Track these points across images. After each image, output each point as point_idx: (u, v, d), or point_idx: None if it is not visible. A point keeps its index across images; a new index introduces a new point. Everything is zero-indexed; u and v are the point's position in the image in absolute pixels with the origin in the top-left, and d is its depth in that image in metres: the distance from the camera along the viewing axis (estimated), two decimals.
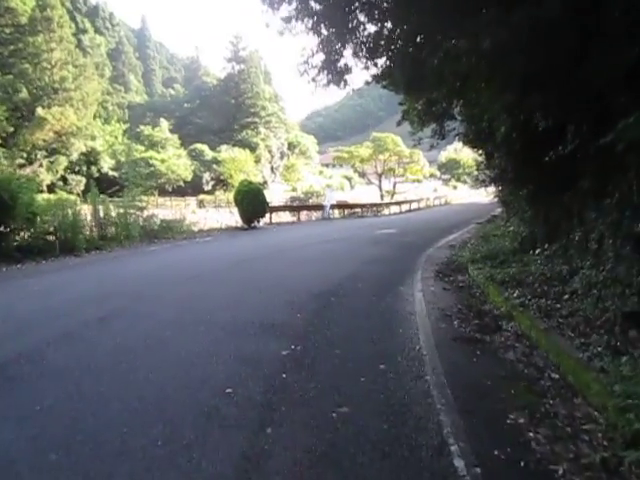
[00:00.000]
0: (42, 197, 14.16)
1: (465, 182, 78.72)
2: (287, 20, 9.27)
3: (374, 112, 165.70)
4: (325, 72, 9.12)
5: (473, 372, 4.09)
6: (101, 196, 15.37)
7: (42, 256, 10.64)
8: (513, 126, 6.89)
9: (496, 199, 16.91)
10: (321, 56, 9.00)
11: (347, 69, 9.26)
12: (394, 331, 5.24)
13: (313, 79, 9.24)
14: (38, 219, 11.04)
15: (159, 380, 3.80)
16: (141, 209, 14.82)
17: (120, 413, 3.22)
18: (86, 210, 13.24)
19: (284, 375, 3.90)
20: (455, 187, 71.18)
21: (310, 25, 9.03)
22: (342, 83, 9.71)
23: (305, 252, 11.99)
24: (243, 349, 4.55)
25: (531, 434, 3.01)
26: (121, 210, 13.86)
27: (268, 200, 21.15)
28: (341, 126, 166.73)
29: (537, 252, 8.18)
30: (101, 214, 13.25)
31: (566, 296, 5.76)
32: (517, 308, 5.59)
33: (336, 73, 9.17)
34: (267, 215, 21.88)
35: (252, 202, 18.55)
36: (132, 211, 14.37)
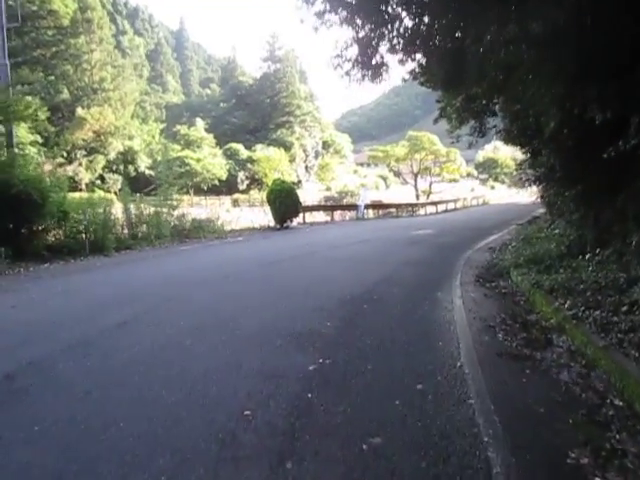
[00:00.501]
0: (78, 196, 14.13)
1: (503, 182, 77.01)
2: (321, 15, 8.91)
3: (410, 111, 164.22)
4: (359, 66, 8.72)
5: (523, 396, 3.61)
6: (137, 195, 15.37)
7: (72, 256, 10.60)
8: (564, 121, 6.32)
9: (538, 200, 16.19)
10: (355, 49, 8.62)
11: (382, 64, 8.84)
12: (432, 344, 4.79)
13: (347, 73, 8.84)
14: (69, 218, 10.99)
15: (172, 397, 3.47)
16: (173, 208, 14.72)
17: (125, 438, 2.88)
18: (118, 209, 13.20)
19: (310, 395, 3.51)
20: (493, 187, 69.60)
21: (344, 17, 8.64)
22: (377, 78, 9.29)
23: (338, 253, 11.60)
24: (267, 362, 4.19)
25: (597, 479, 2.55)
26: (152, 209, 13.77)
27: (302, 199, 20.88)
28: (376, 125, 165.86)
29: (587, 257, 7.56)
30: (132, 213, 13.17)
31: (625, 308, 5.19)
32: (569, 320, 5.05)
33: (371, 67, 8.76)
34: (300, 215, 21.60)
35: (285, 201, 18.27)
36: (164, 210, 14.29)
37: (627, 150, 5.24)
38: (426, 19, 9.85)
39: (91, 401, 3.45)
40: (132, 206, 13.34)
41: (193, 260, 10.96)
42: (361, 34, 8.51)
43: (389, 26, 9.08)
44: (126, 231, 13.01)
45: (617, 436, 3.02)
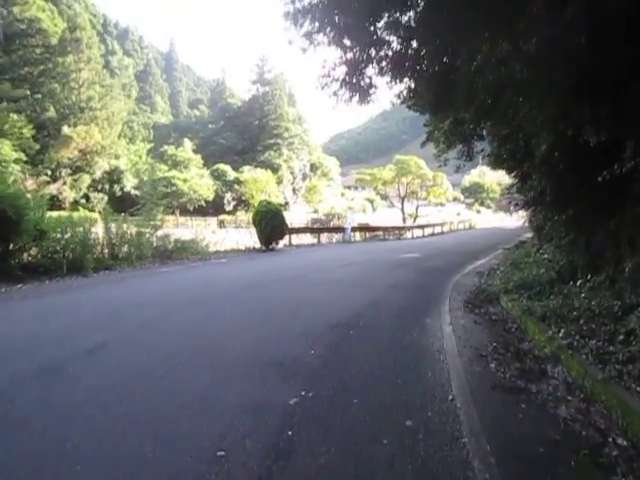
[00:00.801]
0: (57, 214, 13.68)
1: (489, 206, 77.73)
2: (309, 35, 8.82)
3: (397, 135, 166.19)
4: (347, 86, 8.58)
5: (520, 434, 3.35)
6: (122, 215, 15.02)
7: (48, 276, 10.16)
8: (555, 143, 6.20)
9: (525, 224, 16.15)
10: (343, 69, 8.49)
11: (370, 85, 8.72)
12: (422, 374, 4.52)
13: (334, 93, 8.69)
14: (47, 237, 10.59)
15: (139, 437, 3.14)
16: (156, 228, 14.36)
17: None
18: (99, 228, 12.84)
19: (290, 432, 3.22)
20: (479, 211, 70.13)
21: (332, 38, 8.55)
22: (365, 99, 9.17)
23: (324, 276, 11.32)
24: (245, 394, 3.89)
25: None
26: (134, 229, 13.40)
27: (289, 221, 20.64)
28: (364, 149, 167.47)
29: (578, 283, 7.39)
30: (113, 233, 12.78)
31: (621, 337, 4.99)
32: (564, 350, 4.83)
33: (358, 88, 8.64)
34: (286, 237, 21.35)
35: (270, 223, 17.98)
36: (146, 230, 13.93)
37: (622, 173, 5.10)
38: (414, 44, 9.82)
39: (43, 443, 3.09)
40: (113, 225, 12.95)
41: (173, 282, 10.58)
42: (349, 55, 8.41)
43: (377, 48, 9.02)
44: (106, 251, 12.59)
45: None
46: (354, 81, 8.53)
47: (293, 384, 4.12)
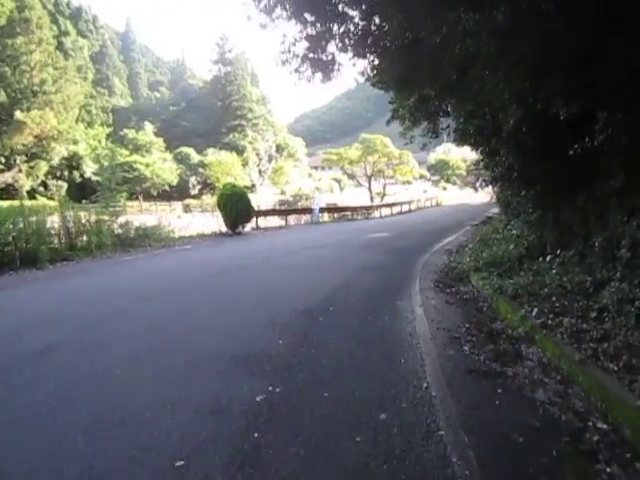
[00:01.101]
0: (9, 204, 12.97)
1: (455, 183, 78.56)
2: (268, 11, 8.41)
3: (363, 114, 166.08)
4: (309, 62, 8.25)
5: (499, 423, 3.19)
6: (83, 202, 14.36)
7: None
8: (524, 118, 6.04)
9: (492, 200, 16.18)
10: (304, 44, 8.13)
11: (333, 60, 8.40)
12: (394, 361, 4.34)
13: (296, 70, 8.34)
14: None
15: (90, 447, 2.86)
16: (116, 215, 13.79)
17: None
18: (56, 217, 12.22)
19: (256, 434, 2.98)
20: (445, 188, 70.81)
21: (292, 11, 8.18)
22: (328, 75, 8.85)
23: (292, 260, 11.06)
24: (208, 394, 3.63)
25: None
26: (93, 217, 12.80)
27: (256, 204, 20.22)
28: (330, 128, 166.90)
29: (548, 259, 7.33)
30: (70, 222, 12.16)
31: (594, 314, 4.91)
32: (538, 330, 4.71)
33: (321, 64, 8.31)
34: (253, 220, 20.98)
35: (236, 206, 17.54)
36: (106, 218, 13.34)
37: (593, 147, 4.97)
38: (377, 19, 9.52)
39: None
40: (70, 214, 12.31)
41: (134, 272, 10.11)
42: (310, 30, 8.09)
43: (339, 23, 8.69)
44: (64, 241, 11.98)
45: (608, 469, 2.64)
46: (316, 57, 8.20)
47: (260, 379, 3.88)
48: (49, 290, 8.37)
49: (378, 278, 8.71)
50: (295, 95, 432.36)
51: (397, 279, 8.64)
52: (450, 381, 3.86)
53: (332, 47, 8.75)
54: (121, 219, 14.56)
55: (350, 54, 9.81)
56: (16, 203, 14.69)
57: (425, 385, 3.77)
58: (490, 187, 12.29)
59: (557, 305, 5.44)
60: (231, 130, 68.57)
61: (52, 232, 11.71)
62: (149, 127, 64.60)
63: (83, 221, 12.55)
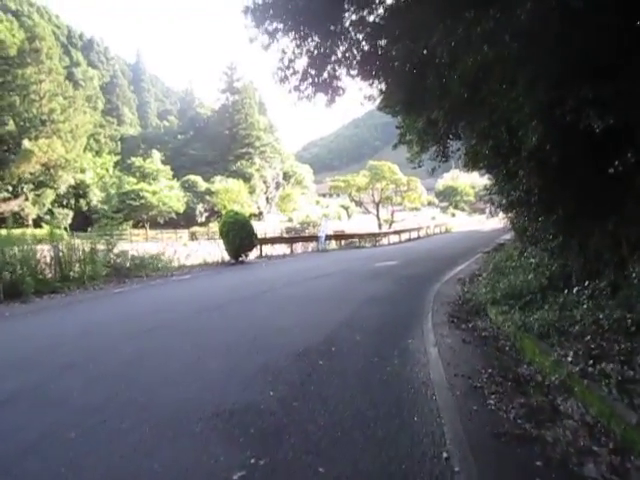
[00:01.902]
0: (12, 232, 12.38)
1: (463, 209, 78.05)
2: (271, 33, 7.95)
3: (370, 141, 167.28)
4: (309, 79, 7.70)
5: None
6: (88, 230, 13.76)
7: None
8: (547, 134, 5.38)
9: (504, 226, 15.49)
10: (305, 60, 7.59)
11: (335, 76, 7.84)
12: (406, 420, 3.60)
13: (296, 88, 7.79)
14: None
15: None
16: (112, 244, 13.16)
17: None
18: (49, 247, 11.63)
19: None
20: (453, 215, 70.24)
21: (294, 36, 7.70)
22: (331, 94, 8.31)
23: (294, 291, 10.34)
24: (174, 467, 2.91)
25: None
26: (87, 246, 12.17)
27: (263, 231, 19.57)
28: (337, 156, 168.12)
29: (575, 291, 6.58)
30: (62, 251, 11.51)
31: None
32: (577, 379, 3.97)
33: (323, 83, 7.75)
34: (258, 248, 20.37)
35: (239, 234, 16.89)
36: (101, 247, 12.73)
37: (637, 163, 4.30)
38: (383, 42, 9.09)
39: None
40: (62, 243, 11.72)
41: (121, 306, 9.32)
42: (311, 44, 7.52)
43: (343, 46, 8.25)
44: (55, 272, 11.34)
45: None
46: (317, 73, 7.62)
47: (241, 446, 3.15)
48: (22, 328, 7.58)
49: (386, 312, 7.98)
50: (303, 124, 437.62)
51: (407, 313, 7.92)
52: (476, 449, 3.12)
53: (335, 66, 8.27)
54: (120, 248, 13.99)
55: (355, 77, 9.38)
56: (18, 232, 14.22)
57: (445, 455, 3.04)
58: (503, 213, 11.58)
59: (593, 346, 4.70)
60: (238, 158, 68.74)
61: (42, 262, 11.07)
62: (156, 155, 64.86)
63: (77, 250, 11.93)
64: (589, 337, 4.96)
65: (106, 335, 6.66)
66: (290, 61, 7.64)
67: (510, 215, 10.36)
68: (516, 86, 5.36)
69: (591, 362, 4.23)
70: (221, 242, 18.02)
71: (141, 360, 5.38)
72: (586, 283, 6.50)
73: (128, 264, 13.24)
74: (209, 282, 12.78)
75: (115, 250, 13.38)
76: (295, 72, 7.68)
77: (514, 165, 6.93)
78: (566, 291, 6.77)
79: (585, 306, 5.77)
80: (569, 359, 4.36)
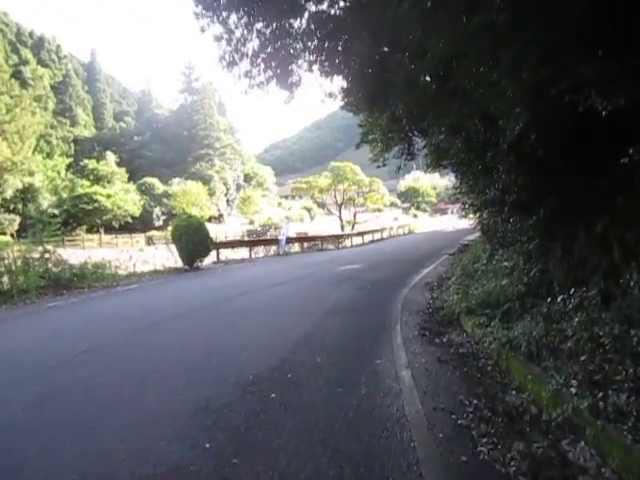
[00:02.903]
0: None
1: (425, 210, 78.60)
2: (224, 21, 7.02)
3: (332, 143, 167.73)
4: (262, 63, 6.79)
5: None
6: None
7: None
8: (534, 121, 4.64)
9: (469, 227, 15.02)
10: (255, 43, 6.66)
11: (291, 60, 6.94)
12: (379, 477, 2.78)
13: (246, 74, 6.86)
14: None
15: None
16: (49, 252, 11.87)
17: None
18: None
19: None
20: (415, 215, 70.52)
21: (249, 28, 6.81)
22: (289, 85, 7.45)
23: (249, 302, 9.38)
24: None
25: None
26: (16, 254, 10.87)
27: (223, 234, 18.43)
28: (300, 158, 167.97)
29: (559, 299, 5.89)
30: None
31: None
32: (587, 418, 3.22)
33: (277, 66, 6.85)
34: (215, 252, 19.31)
35: (192, 239, 15.72)
36: (35, 255, 11.44)
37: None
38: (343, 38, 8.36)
39: None
40: None
41: (51, 325, 8.10)
42: (260, 25, 6.61)
43: (302, 43, 7.44)
44: None
45: None
46: (271, 56, 6.70)
47: None
48: None
49: (351, 324, 7.16)
50: (265, 126, 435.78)
51: (374, 325, 7.13)
52: None
53: (293, 60, 7.43)
54: (67, 255, 12.75)
55: (315, 72, 8.66)
56: None
57: None
58: (473, 214, 10.96)
59: (593, 369, 3.99)
60: (198, 159, 67.09)
61: None
62: (111, 157, 62.50)
63: (6, 261, 10.63)
64: (585, 357, 4.25)
65: (13, 368, 5.50)
66: (239, 42, 6.70)
67: (482, 215, 9.70)
68: (498, 66, 4.61)
69: (596, 392, 3.50)
70: (174, 247, 16.85)
71: (48, 403, 4.31)
72: (571, 291, 5.82)
73: (67, 274, 11.95)
74: (157, 292, 11.62)
75: (53, 258, 12.08)
76: (244, 55, 6.75)
77: (491, 160, 6.20)
78: (549, 299, 6.09)
79: (577, 319, 5.06)
80: (572, 389, 3.61)
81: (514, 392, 4.24)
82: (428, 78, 7.48)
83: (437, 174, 63.31)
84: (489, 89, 5.22)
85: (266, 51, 6.66)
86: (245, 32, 6.66)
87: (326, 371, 4.89)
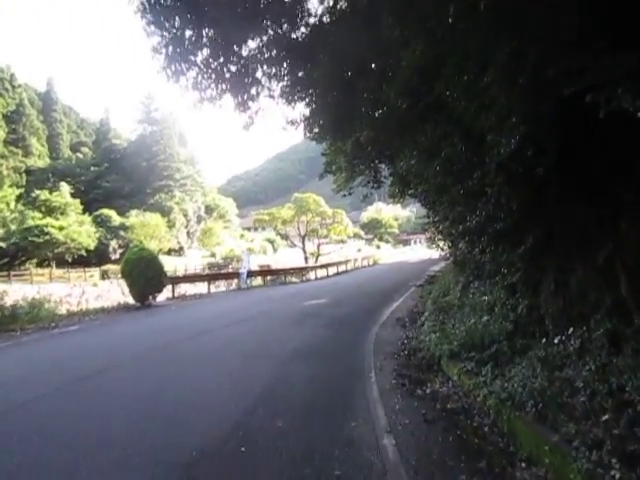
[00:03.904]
0: None
1: (388, 241, 78.94)
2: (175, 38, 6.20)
3: (294, 175, 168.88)
4: (213, 74, 5.94)
5: None
6: None
7: None
8: (533, 134, 3.92)
9: (432, 257, 14.46)
10: (205, 52, 5.80)
11: (247, 71, 6.12)
12: None
13: (194, 85, 5.99)
14: None
15: None
16: None
17: None
18: None
19: None
20: (379, 246, 70.48)
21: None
22: (244, 100, 6.64)
23: (202, 345, 8.27)
24: None
25: None
26: None
27: (183, 267, 17.28)
28: (262, 189, 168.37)
29: (557, 341, 5.14)
30: None
31: None
32: None
33: (231, 77, 6.03)
34: (170, 287, 18.07)
35: (144, 273, 14.43)
36: None
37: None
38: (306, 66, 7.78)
39: None
40: None
41: None
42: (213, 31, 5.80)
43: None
44: None
45: None
46: (223, 66, 5.86)
47: None
48: None
49: (318, 373, 6.19)
50: (227, 158, 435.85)
51: (345, 373, 6.21)
52: None
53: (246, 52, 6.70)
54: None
55: (279, 101, 8.05)
56: None
57: None
58: (450, 243, 10.32)
59: (623, 434, 3.18)
60: (157, 191, 65.50)
61: None
62: (65, 188, 60.20)
63: None
64: (608, 416, 3.46)
65: None
66: (187, 51, 5.83)
67: (458, 245, 9.01)
68: (488, 71, 3.90)
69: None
70: (124, 283, 15.54)
71: None
72: (570, 331, 5.08)
73: None
74: (98, 335, 10.24)
75: None
76: (193, 64, 5.87)
77: (478, 183, 5.46)
78: (543, 340, 5.35)
79: (586, 366, 4.27)
80: (612, 473, 2.76)
81: (523, 464, 3.41)
82: (398, 99, 6.85)
83: (399, 205, 63.82)
84: (475, 100, 4.52)
85: (218, 61, 5.85)
86: (195, 42, 5.83)
87: (289, 442, 3.89)
